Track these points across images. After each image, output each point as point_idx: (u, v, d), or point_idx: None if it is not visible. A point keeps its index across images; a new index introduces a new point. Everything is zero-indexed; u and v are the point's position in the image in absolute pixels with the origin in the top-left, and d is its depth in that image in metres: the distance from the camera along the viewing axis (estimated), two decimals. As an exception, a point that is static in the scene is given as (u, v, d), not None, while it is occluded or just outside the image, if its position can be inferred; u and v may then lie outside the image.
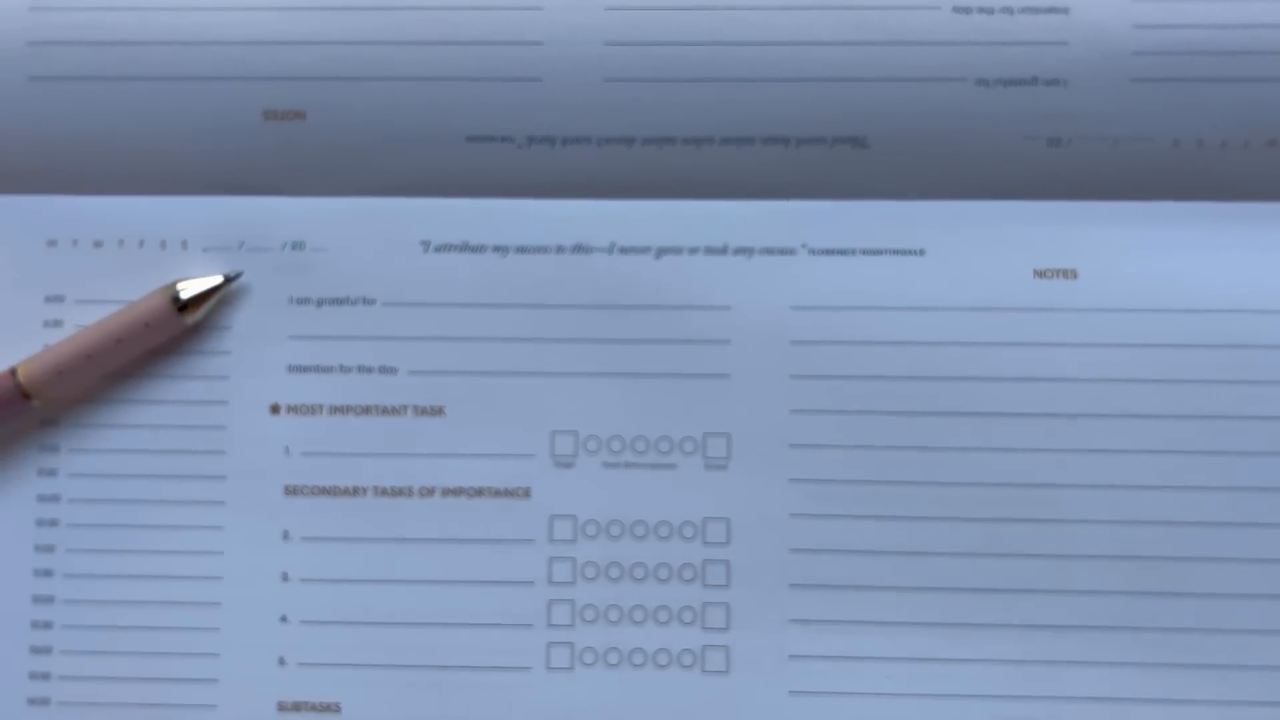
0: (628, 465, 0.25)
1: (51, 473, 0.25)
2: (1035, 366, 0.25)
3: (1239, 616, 0.24)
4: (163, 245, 0.26)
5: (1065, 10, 0.24)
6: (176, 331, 0.25)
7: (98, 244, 0.26)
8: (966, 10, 0.25)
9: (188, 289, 0.25)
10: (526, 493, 0.25)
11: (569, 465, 0.25)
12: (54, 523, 0.25)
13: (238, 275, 0.25)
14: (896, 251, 0.25)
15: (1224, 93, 0.24)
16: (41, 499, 0.25)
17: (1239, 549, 0.24)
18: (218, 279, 0.25)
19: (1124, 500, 0.24)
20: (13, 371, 0.25)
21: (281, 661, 0.25)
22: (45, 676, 0.25)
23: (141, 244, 0.26)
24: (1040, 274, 0.25)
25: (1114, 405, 0.25)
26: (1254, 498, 0.24)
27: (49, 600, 0.25)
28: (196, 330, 0.25)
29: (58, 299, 0.26)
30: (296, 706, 0.25)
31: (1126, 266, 0.25)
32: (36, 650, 0.25)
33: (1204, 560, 0.24)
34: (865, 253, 0.25)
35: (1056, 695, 0.24)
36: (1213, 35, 0.24)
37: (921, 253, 0.25)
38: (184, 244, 0.26)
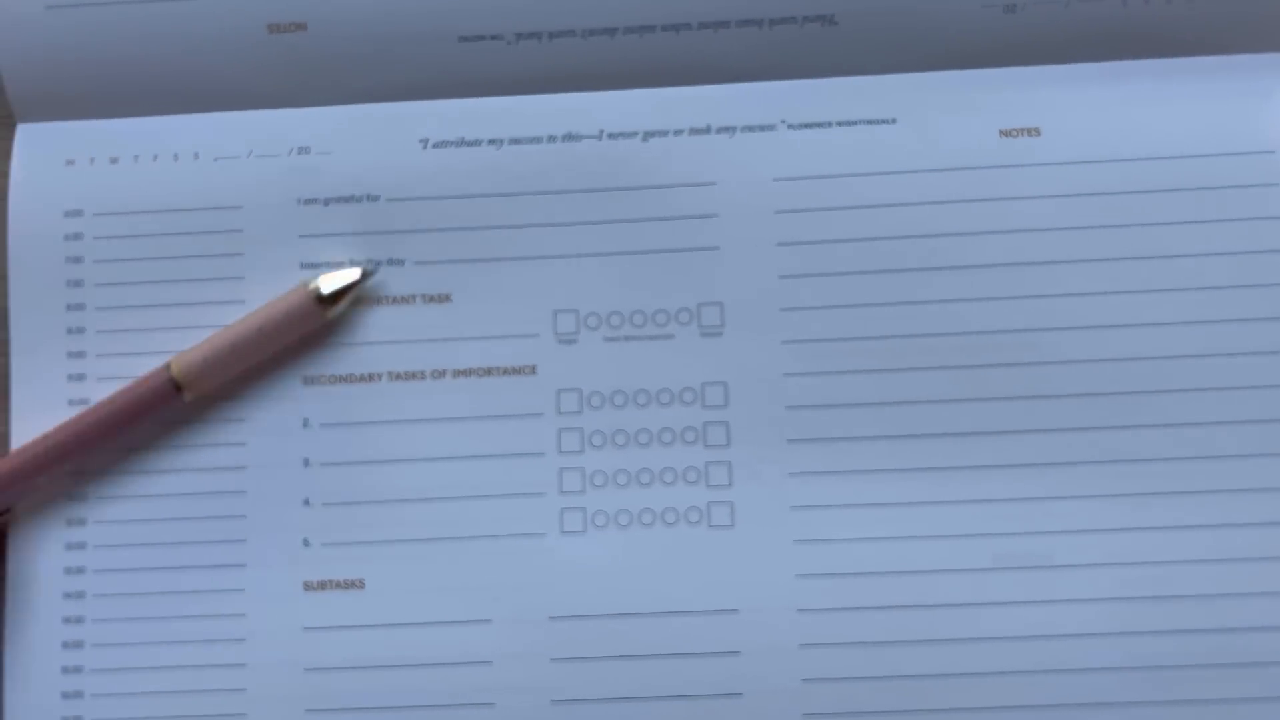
0: (627, 338, 0.27)
1: (80, 356, 0.27)
2: (1006, 219, 0.26)
3: (1213, 443, 0.26)
4: (175, 158, 0.27)
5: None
6: (318, 325, 0.26)
7: (113, 160, 0.27)
8: (920, -109, 0.26)
9: (328, 284, 0.26)
10: (533, 370, 0.27)
11: (572, 341, 0.27)
12: (81, 377, 0.27)
13: (375, 269, 0.27)
14: (869, 121, 0.27)
15: (1165, -48, 0.26)
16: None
17: (1207, 379, 0.26)
18: (356, 273, 0.26)
19: (1096, 339, 0.26)
20: (167, 366, 0.26)
21: (306, 543, 0.26)
22: (81, 546, 0.26)
23: (155, 158, 0.27)
24: (1005, 134, 0.27)
25: (1081, 251, 0.26)
26: (1217, 329, 0.26)
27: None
28: (336, 324, 0.27)
29: (76, 213, 0.27)
30: (321, 585, 0.26)
31: (1085, 122, 0.26)
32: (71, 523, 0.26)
33: (1175, 391, 0.26)
34: (840, 124, 0.27)
35: (1048, 530, 0.26)
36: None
37: (893, 121, 0.27)
38: (195, 155, 0.27)
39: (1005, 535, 0.26)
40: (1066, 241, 0.26)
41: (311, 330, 0.26)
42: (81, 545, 0.26)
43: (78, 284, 0.27)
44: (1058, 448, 0.26)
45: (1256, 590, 0.25)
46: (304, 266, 0.27)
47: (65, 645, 0.26)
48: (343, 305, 0.26)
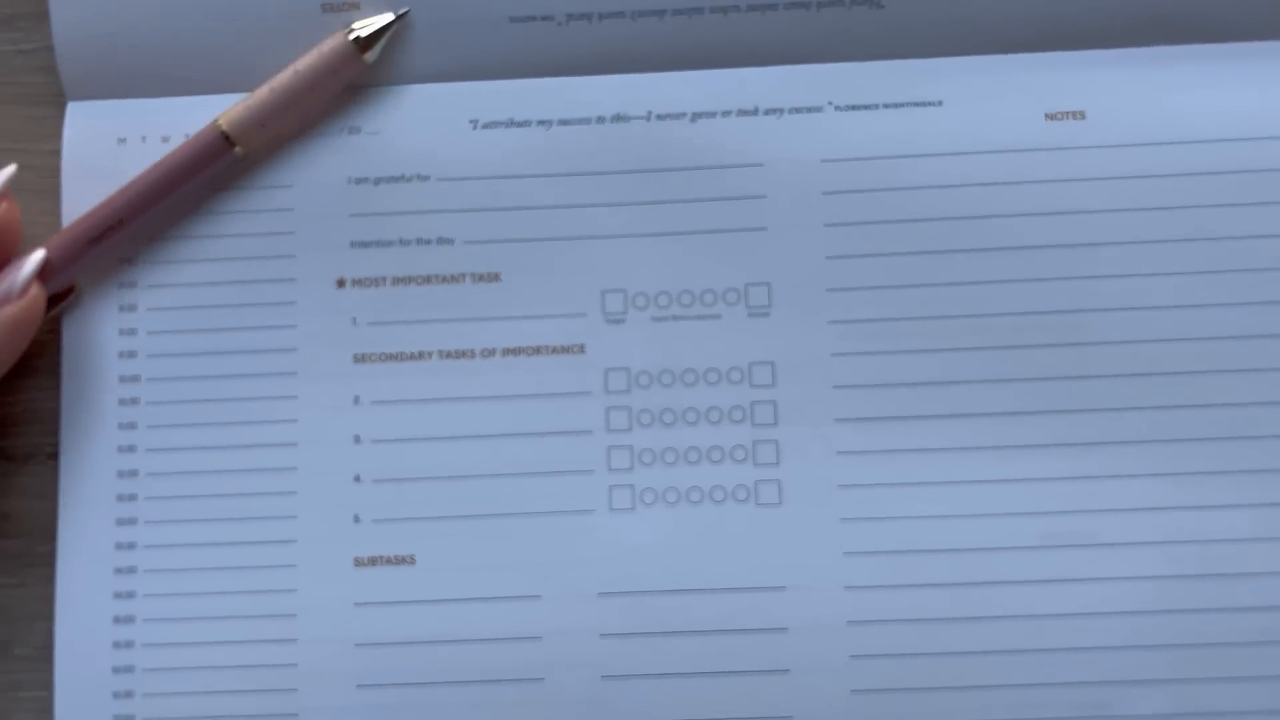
0: (675, 318, 0.27)
1: (131, 332, 0.27)
2: (1052, 201, 0.26)
3: (1259, 423, 0.26)
4: (225, 136, 0.27)
5: None
6: (358, 71, 0.27)
7: (165, 139, 0.27)
8: (968, -124, 0.27)
9: (363, 27, 0.26)
10: (581, 349, 0.27)
11: (620, 321, 0.27)
12: (133, 354, 0.27)
13: (405, 11, 0.27)
14: (916, 104, 0.27)
15: (1212, -63, 0.26)
16: (122, 358, 0.27)
17: (1252, 360, 0.26)
18: (389, 16, 0.27)
19: (1142, 320, 0.26)
20: (215, 122, 0.26)
21: (356, 519, 0.26)
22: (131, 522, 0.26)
23: (207, 137, 0.27)
24: (1051, 117, 0.27)
25: (1126, 233, 0.26)
26: (1261, 311, 0.26)
27: (131, 449, 0.27)
28: (375, 70, 0.27)
29: (128, 191, 0.27)
30: (372, 561, 0.26)
31: (1130, 106, 0.27)
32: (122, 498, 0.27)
33: (1221, 372, 0.26)
34: (887, 107, 0.27)
35: (1095, 509, 0.26)
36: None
37: (940, 104, 0.27)
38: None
39: (1052, 514, 0.26)
40: (1112, 223, 0.26)
41: (352, 76, 0.27)
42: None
43: (129, 261, 0.27)
44: (1104, 427, 0.26)
45: (1302, 569, 0.25)
46: (354, 245, 0.27)
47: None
48: (377, 49, 0.27)
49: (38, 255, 0.26)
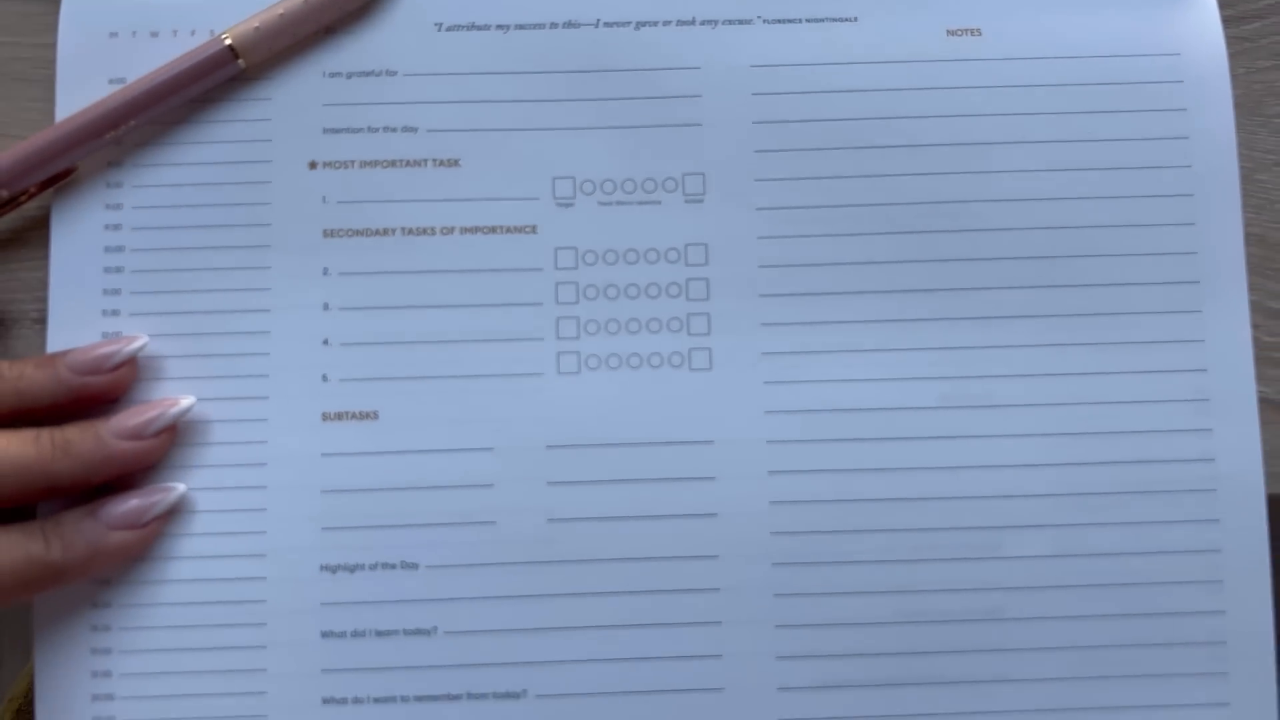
0: (619, 203, 0.30)
1: (117, 207, 0.29)
2: (951, 106, 0.30)
3: (1128, 300, 0.29)
4: (210, 33, 0.30)
5: None
6: (358, 5, 0.30)
7: (154, 34, 0.30)
8: None
9: None
10: (534, 229, 0.30)
11: (569, 205, 0.30)
12: (118, 227, 0.29)
13: None
14: (834, 19, 0.30)
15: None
16: (108, 230, 0.29)
17: (1124, 245, 0.29)
18: None
19: (1030, 210, 0.29)
20: (222, 37, 0.29)
21: (325, 379, 0.29)
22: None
23: (193, 33, 0.30)
24: (952, 33, 0.30)
25: (1015, 134, 0.30)
26: (1132, 203, 0.30)
27: (115, 313, 0.29)
28: (373, 6, 0.30)
29: (119, 80, 0.30)
30: (339, 416, 0.29)
31: (1020, 25, 0.30)
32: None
33: (1098, 256, 0.29)
34: (809, 21, 0.30)
35: (988, 375, 0.29)
36: None
37: (855, 20, 0.30)
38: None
39: (950, 378, 0.29)
40: (1002, 126, 0.30)
41: (355, 7, 0.30)
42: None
43: (119, 144, 0.29)
44: (996, 303, 0.29)
45: (1170, 428, 0.29)
46: (326, 132, 0.30)
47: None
48: None
49: (179, 490, 0.28)
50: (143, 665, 0.28)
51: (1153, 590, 0.28)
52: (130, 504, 0.27)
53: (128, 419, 0.27)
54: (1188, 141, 0.30)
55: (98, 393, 0.27)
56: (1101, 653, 0.28)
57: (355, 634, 0.28)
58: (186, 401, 0.28)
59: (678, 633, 0.28)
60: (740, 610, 0.28)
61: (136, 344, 0.28)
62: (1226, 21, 0.31)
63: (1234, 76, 0.31)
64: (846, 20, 0.30)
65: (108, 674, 0.28)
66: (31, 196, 0.29)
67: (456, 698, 0.28)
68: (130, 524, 0.27)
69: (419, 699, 0.28)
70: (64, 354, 0.27)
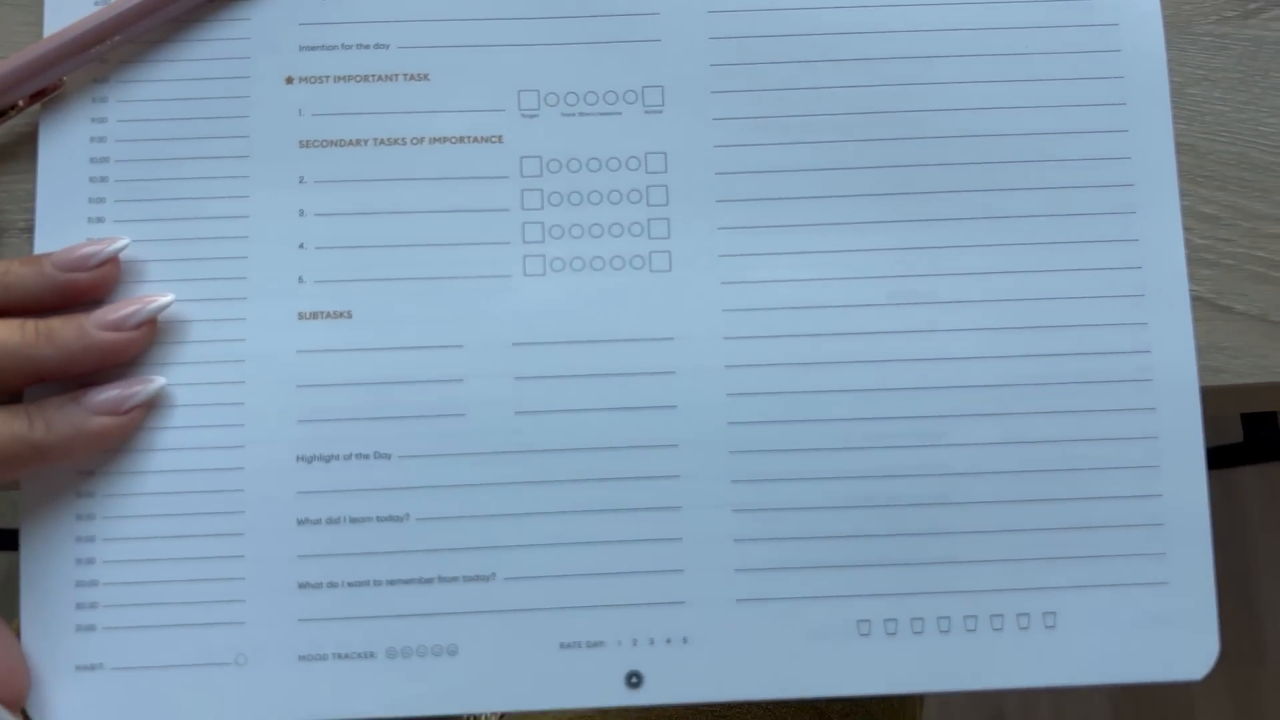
0: (581, 115, 0.31)
1: (102, 120, 0.30)
2: (899, 22, 0.31)
3: (1064, 203, 0.31)
4: (191, -41, 0.31)
5: None
6: None
7: (136, -41, 0.31)
8: None
9: None
10: (500, 139, 0.31)
11: (534, 116, 0.31)
12: (103, 139, 0.31)
13: None
14: (785, -58, 0.32)
15: None
16: (94, 142, 0.30)
17: (1060, 151, 0.31)
18: None
19: (971, 119, 0.31)
20: None
21: (300, 280, 0.30)
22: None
23: (173, -42, 0.31)
24: (894, -44, 0.32)
25: (956, 48, 0.31)
26: (1066, 111, 0.31)
27: (100, 220, 0.30)
28: None
29: (104, 3, 0.31)
30: (314, 315, 0.30)
31: (962, -54, 0.32)
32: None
33: (1034, 161, 0.31)
34: (760, -56, 0.32)
35: (933, 274, 0.31)
36: None
37: (803, -55, 0.32)
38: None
39: (897, 277, 0.31)
40: (946, 40, 0.31)
41: None
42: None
43: (103, 61, 0.31)
44: (939, 206, 0.31)
45: (1107, 322, 0.30)
46: (302, 49, 0.31)
47: None
48: None
49: (158, 382, 0.29)
50: (125, 553, 0.29)
51: (1093, 475, 0.30)
52: (112, 392, 0.28)
53: (109, 312, 0.28)
54: (1120, 54, 0.32)
55: (83, 289, 0.28)
56: (1045, 535, 0.30)
57: (330, 521, 0.29)
58: (165, 299, 0.29)
59: (639, 517, 0.29)
60: (699, 496, 0.29)
61: (119, 244, 0.29)
62: (1158, -54, 0.33)
63: (1165, -2, 0.33)
64: (794, -54, 0.32)
65: (91, 560, 0.29)
66: (19, 110, 0.30)
67: (428, 581, 0.29)
68: (111, 410, 0.28)
69: (391, 583, 0.29)
70: (50, 254, 0.29)
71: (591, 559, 0.29)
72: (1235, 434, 1.07)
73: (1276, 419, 1.02)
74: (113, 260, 0.29)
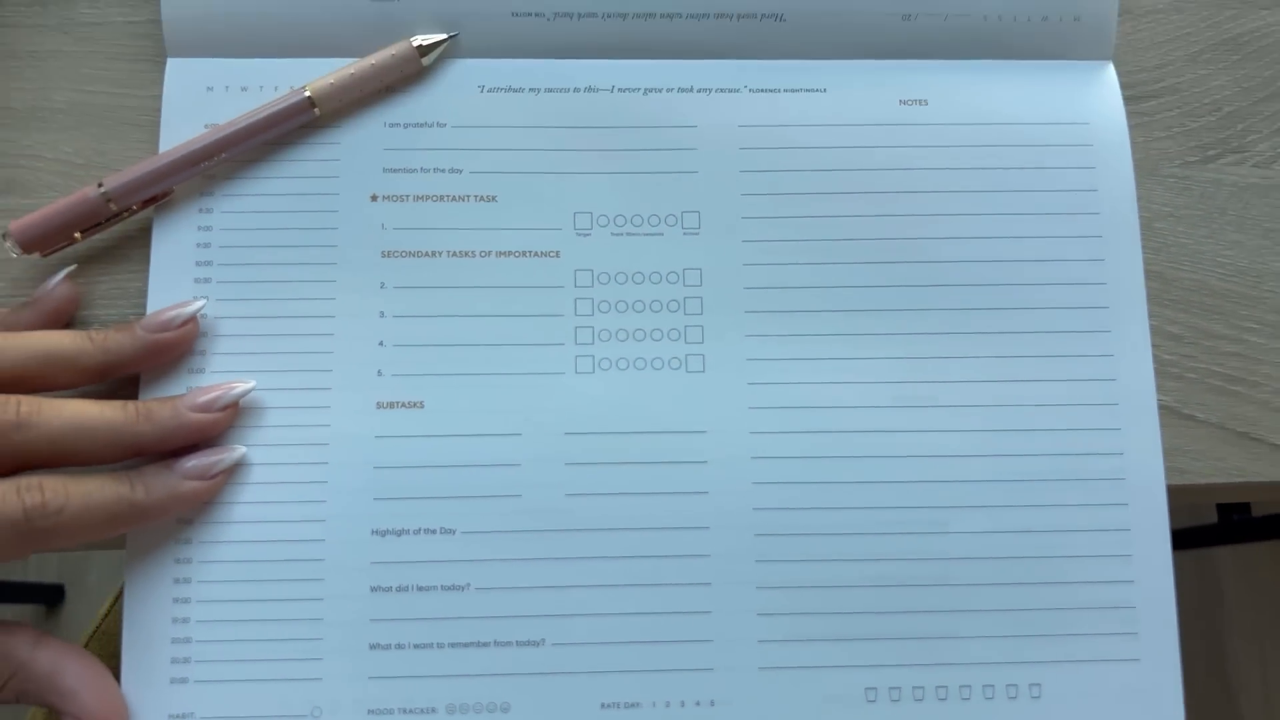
0: (628, 234, 0.36)
1: (207, 228, 0.35)
2: (902, 160, 0.36)
3: (1049, 322, 0.35)
4: (290, 88, 0.36)
5: (907, -68, 0.37)
6: (415, 70, 0.36)
7: (244, 89, 0.36)
8: (844, -67, 0.37)
9: (422, 41, 0.36)
10: (557, 254, 0.35)
11: (587, 235, 0.36)
12: (208, 245, 0.35)
13: (456, 34, 0.36)
14: (807, 90, 0.37)
15: (1011, -15, 0.37)
16: (199, 247, 0.35)
17: (1048, 276, 0.36)
18: (443, 35, 0.36)
19: (967, 246, 0.36)
20: (304, 89, 0.35)
21: (379, 373, 0.34)
22: (200, 371, 0.34)
23: (276, 89, 0.36)
24: (904, 102, 0.37)
25: (954, 183, 0.36)
26: (1048, 242, 0.36)
27: (202, 316, 0.34)
28: (428, 72, 0.36)
29: (213, 124, 0.36)
30: (390, 405, 0.34)
31: (958, 97, 0.37)
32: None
33: (1020, 285, 0.35)
34: (786, 91, 0.37)
35: (933, 380, 0.35)
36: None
37: (824, 90, 0.37)
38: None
39: (902, 382, 0.35)
40: (944, 177, 0.36)
41: (410, 71, 0.36)
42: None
43: (212, 175, 0.35)
44: (940, 321, 0.35)
45: (1086, 427, 0.35)
46: (386, 171, 0.36)
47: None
48: (433, 56, 0.36)
49: (239, 451, 0.33)
50: (217, 613, 0.32)
51: (1073, 562, 0.34)
52: (200, 459, 0.32)
53: (198, 395, 0.32)
54: (1096, 193, 0.36)
55: (169, 346, 0.33)
56: (1031, 615, 0.34)
57: (400, 589, 0.33)
58: (248, 385, 0.33)
59: (674, 592, 0.33)
60: (727, 573, 0.33)
61: (196, 305, 0.33)
62: (1128, 99, 0.38)
63: (1135, 144, 0.37)
64: (817, 91, 0.37)
65: (186, 619, 0.32)
66: (133, 214, 0.35)
67: (485, 645, 0.33)
68: (200, 475, 0.32)
69: (453, 646, 0.33)
70: (139, 319, 0.33)
71: (631, 628, 0.33)
72: (1210, 515, 1.12)
73: (1248, 503, 1.06)
74: (192, 320, 0.33)
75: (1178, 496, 0.35)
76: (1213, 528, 1.07)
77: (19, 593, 1.17)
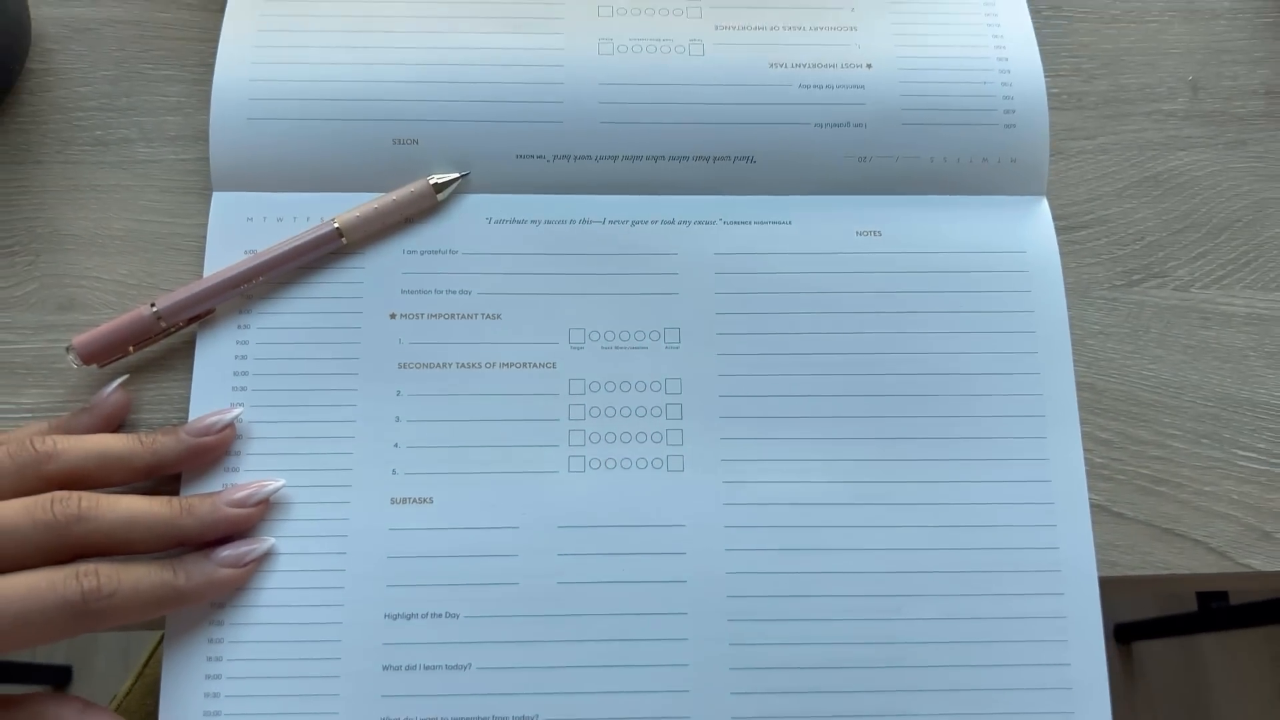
0: (617, 348, 0.40)
1: (245, 342, 0.39)
2: (859, 284, 0.41)
3: (1001, 427, 0.40)
4: (322, 219, 0.41)
5: (862, 86, 0.43)
6: (431, 204, 0.41)
7: (280, 220, 0.41)
8: (808, 87, 0.43)
9: (438, 179, 0.41)
10: (553, 365, 0.40)
11: (580, 348, 0.40)
12: (245, 357, 0.39)
13: (468, 174, 0.41)
14: (775, 222, 0.42)
15: (948, 132, 0.43)
16: (237, 359, 0.39)
17: (990, 388, 0.40)
18: (456, 174, 0.41)
19: (917, 361, 0.40)
20: (333, 220, 0.40)
21: (394, 472, 0.38)
22: (234, 470, 0.38)
23: (308, 220, 0.41)
24: (860, 233, 0.42)
25: (906, 306, 0.41)
26: (996, 357, 0.40)
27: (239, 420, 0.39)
28: (442, 206, 0.41)
29: (253, 251, 0.40)
30: (403, 500, 0.38)
31: (909, 228, 0.42)
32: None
33: (968, 396, 0.40)
34: (756, 223, 0.42)
35: (890, 480, 0.39)
36: (938, 97, 0.43)
37: (790, 223, 0.42)
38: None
39: (861, 482, 0.39)
40: (896, 300, 0.41)
41: (427, 206, 0.41)
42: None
43: (249, 296, 0.40)
44: (894, 428, 0.40)
45: (1024, 523, 0.39)
46: (403, 292, 0.40)
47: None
48: (447, 193, 0.41)
49: (269, 542, 0.37)
50: (244, 689, 0.36)
51: (1014, 646, 0.38)
52: (234, 549, 0.36)
53: (234, 492, 0.37)
54: (1033, 314, 0.41)
55: (209, 448, 0.37)
56: (977, 694, 0.37)
57: (409, 667, 0.36)
58: (277, 483, 0.37)
59: (655, 672, 0.37)
60: (703, 654, 0.37)
61: (234, 412, 0.38)
62: (1060, 230, 0.43)
63: (1067, 269, 0.42)
64: (784, 223, 0.42)
65: (216, 695, 0.36)
66: (180, 329, 0.39)
67: (484, 719, 0.36)
68: (234, 564, 0.36)
69: (455, 720, 0.36)
70: (183, 424, 0.37)
71: (616, 704, 0.36)
72: (1191, 604, 1.14)
73: (1227, 592, 1.09)
74: (230, 425, 0.38)
75: (1110, 587, 0.39)
76: (1192, 615, 1.10)
77: (28, 673, 1.19)
